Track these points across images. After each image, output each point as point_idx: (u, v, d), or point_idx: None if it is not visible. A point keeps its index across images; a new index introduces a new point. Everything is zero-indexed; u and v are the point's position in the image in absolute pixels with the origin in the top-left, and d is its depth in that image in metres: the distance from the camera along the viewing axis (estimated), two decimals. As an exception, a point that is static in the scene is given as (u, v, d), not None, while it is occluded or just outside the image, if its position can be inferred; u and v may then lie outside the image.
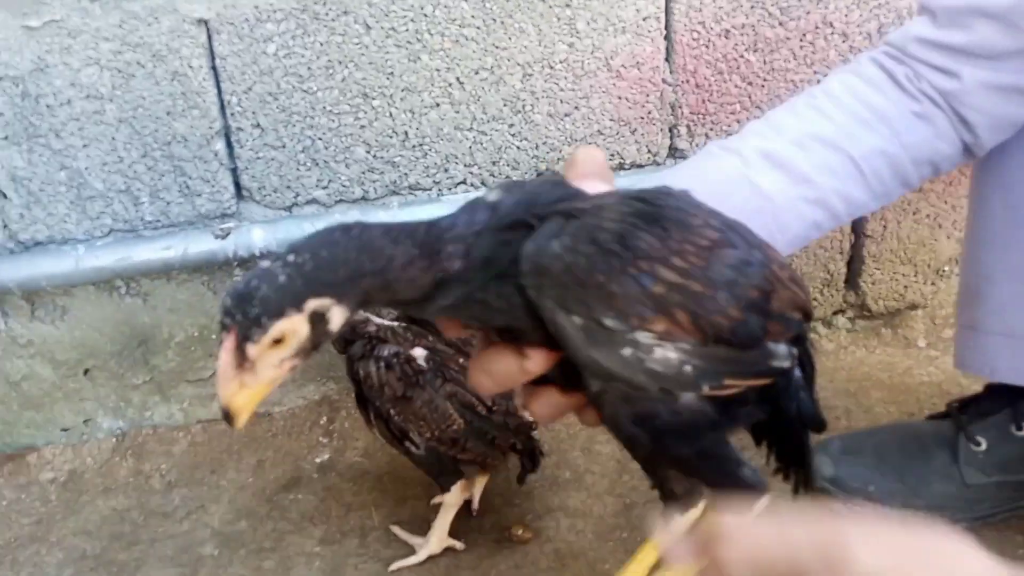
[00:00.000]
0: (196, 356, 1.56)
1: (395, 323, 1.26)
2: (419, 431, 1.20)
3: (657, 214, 0.54)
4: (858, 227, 1.74)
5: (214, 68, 1.39)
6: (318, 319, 0.49)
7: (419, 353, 1.21)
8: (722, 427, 0.59)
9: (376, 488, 1.44)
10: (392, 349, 1.20)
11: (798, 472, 0.71)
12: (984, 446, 1.23)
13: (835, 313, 1.80)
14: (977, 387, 1.35)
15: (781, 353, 0.59)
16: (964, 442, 1.25)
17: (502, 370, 0.57)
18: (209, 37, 1.37)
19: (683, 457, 0.58)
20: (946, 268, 1.82)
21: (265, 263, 0.50)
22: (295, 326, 0.49)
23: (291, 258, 0.50)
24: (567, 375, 0.56)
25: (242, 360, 0.48)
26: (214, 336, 1.55)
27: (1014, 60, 0.96)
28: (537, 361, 0.55)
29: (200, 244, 1.39)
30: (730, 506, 0.59)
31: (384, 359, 1.19)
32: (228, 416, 0.49)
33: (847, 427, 1.50)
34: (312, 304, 0.49)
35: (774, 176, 0.95)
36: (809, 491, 0.73)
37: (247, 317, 0.48)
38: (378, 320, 1.24)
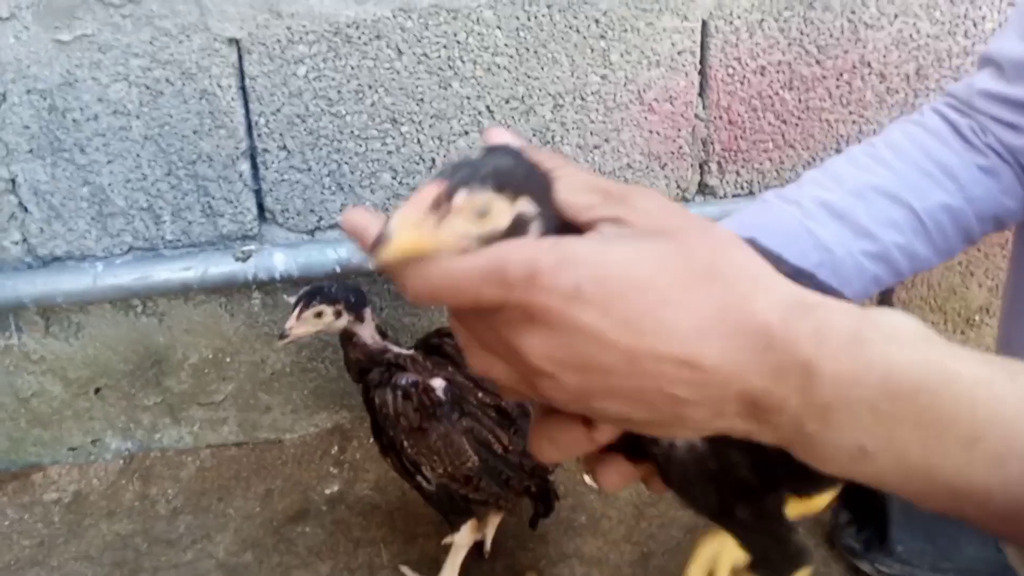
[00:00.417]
0: (209, 379, 1.52)
1: (414, 351, 1.23)
2: (432, 466, 1.16)
3: None
4: (889, 272, 1.70)
5: (243, 88, 1.37)
6: (518, 227, 0.46)
7: (438, 384, 1.18)
8: (781, 487, 0.56)
9: (386, 524, 1.39)
10: (411, 378, 1.17)
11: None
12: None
13: (863, 359, 1.75)
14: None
15: None
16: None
17: (569, 440, 0.53)
18: (240, 57, 1.36)
19: (744, 518, 0.56)
20: (976, 317, 1.78)
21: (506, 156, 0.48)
22: (503, 210, 0.46)
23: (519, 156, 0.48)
24: (633, 443, 0.54)
25: (440, 204, 0.44)
26: (228, 359, 1.52)
27: None
28: (605, 432, 0.52)
29: (220, 266, 1.37)
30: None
31: (402, 387, 1.16)
32: (380, 241, 0.44)
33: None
34: (525, 205, 0.47)
35: (834, 227, 0.91)
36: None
37: (476, 172, 0.45)
38: (397, 348, 1.21)
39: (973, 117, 0.99)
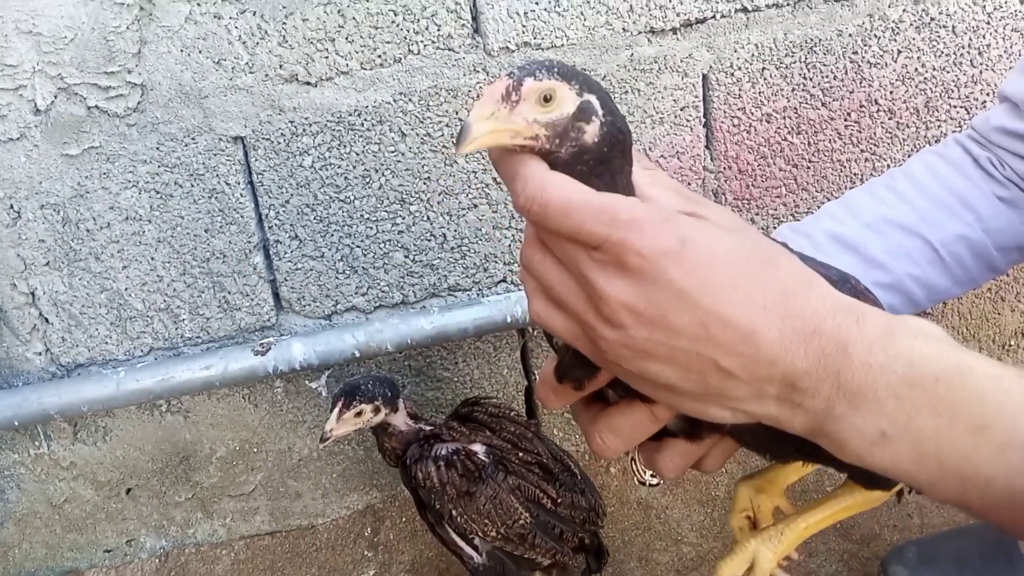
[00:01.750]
0: (238, 470, 1.52)
1: (447, 421, 1.23)
2: (483, 530, 1.16)
3: None
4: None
5: (251, 183, 1.38)
6: (583, 112, 0.51)
7: (479, 448, 1.19)
8: None
9: (426, 608, 1.38)
10: (450, 447, 1.18)
11: None
12: (1079, 553, 1.14)
13: (898, 395, 1.71)
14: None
15: None
16: (1056, 548, 1.16)
17: (630, 424, 0.57)
18: (246, 153, 1.37)
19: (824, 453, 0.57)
20: (1012, 342, 1.74)
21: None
22: (567, 96, 0.50)
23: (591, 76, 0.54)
24: (690, 423, 0.57)
25: (510, 93, 0.50)
26: (255, 449, 1.52)
27: None
28: (666, 411, 0.56)
29: (240, 361, 1.37)
30: None
31: (443, 457, 1.17)
32: (462, 135, 0.49)
33: (920, 525, 1.41)
34: (590, 97, 0.51)
35: (845, 259, 0.92)
36: None
37: (541, 64, 0.50)
38: (430, 427, 1.21)
39: (992, 151, 0.98)
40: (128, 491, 1.50)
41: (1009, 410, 0.47)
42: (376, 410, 1.16)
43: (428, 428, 1.20)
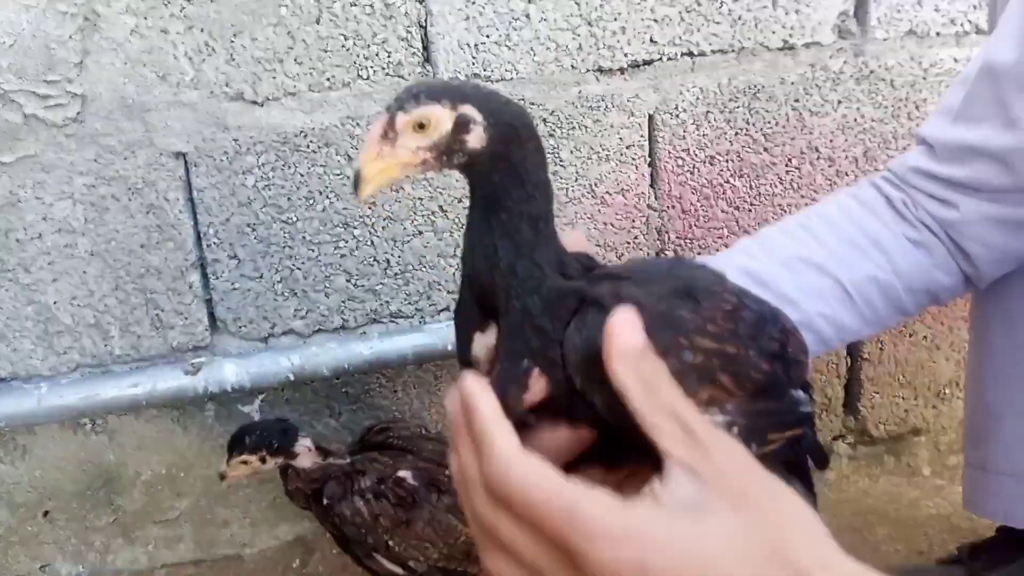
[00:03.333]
0: (163, 496, 1.47)
1: (361, 455, 1.20)
2: (424, 554, 1.14)
3: (690, 287, 0.56)
4: (854, 350, 1.69)
5: (191, 200, 1.36)
6: (461, 126, 0.52)
7: (406, 473, 1.17)
8: None
9: (351, 642, 1.33)
10: (374, 478, 1.15)
11: None
12: (1001, 598, 1.15)
13: (835, 439, 1.73)
14: (987, 523, 1.28)
15: (803, 399, 0.61)
16: (980, 593, 1.16)
17: (553, 445, 0.54)
18: (187, 169, 1.35)
19: None
20: (946, 391, 1.76)
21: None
22: (441, 117, 0.52)
23: (472, 82, 0.55)
24: (609, 451, 0.57)
25: (387, 131, 0.52)
26: (183, 474, 1.47)
27: (1013, 195, 0.94)
28: (589, 433, 0.55)
29: (169, 380, 1.33)
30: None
31: (370, 489, 1.14)
32: (357, 182, 0.52)
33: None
34: (464, 109, 0.52)
35: (757, 295, 0.92)
36: None
37: (409, 94, 0.52)
38: (340, 461, 1.18)
39: (906, 192, 1.00)
40: (45, 513, 1.44)
41: None
42: (263, 460, 1.14)
43: (340, 463, 1.17)
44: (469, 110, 0.52)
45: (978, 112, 0.94)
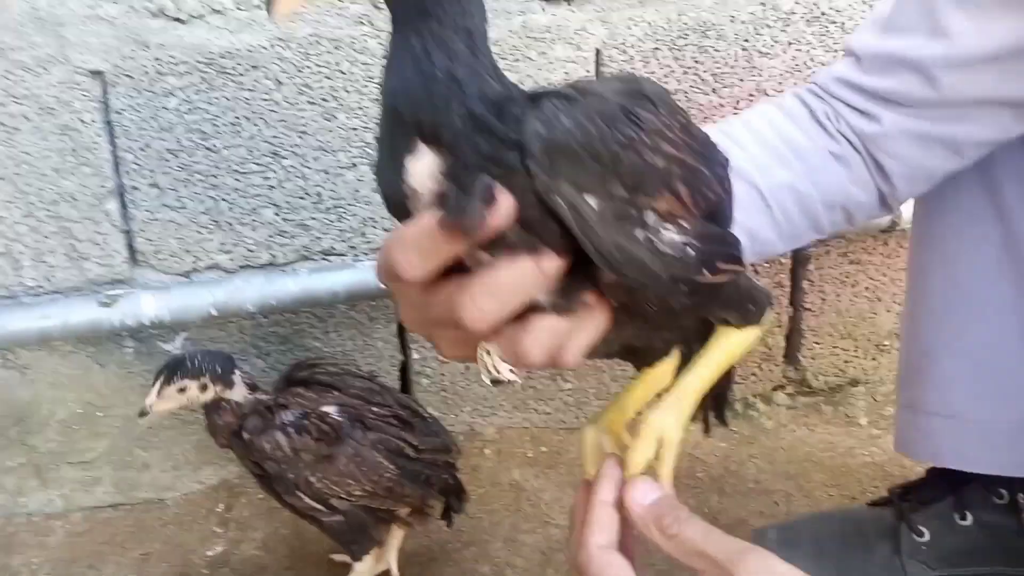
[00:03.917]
0: (80, 436, 1.41)
1: (286, 389, 1.16)
2: (347, 491, 1.11)
3: (642, 91, 0.52)
4: (796, 299, 1.68)
5: (108, 123, 1.29)
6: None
7: (331, 408, 1.13)
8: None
9: (273, 586, 1.29)
10: (297, 412, 1.11)
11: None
12: (927, 537, 1.15)
13: (775, 389, 1.73)
14: (921, 470, 1.28)
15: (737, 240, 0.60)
16: (906, 532, 1.16)
17: (512, 283, 0.50)
18: (104, 90, 1.27)
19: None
20: (887, 343, 1.77)
21: None
22: None
23: None
24: (564, 293, 0.53)
25: None
26: (100, 414, 1.40)
27: (933, 110, 0.91)
28: (553, 262, 0.51)
29: (83, 313, 1.26)
30: None
31: (293, 424, 1.10)
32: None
33: (787, 512, 1.41)
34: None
35: None
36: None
37: None
38: (264, 395, 1.13)
39: (829, 103, 0.98)
40: (-48, 453, 1.37)
41: None
42: (203, 387, 1.08)
43: (267, 398, 1.12)
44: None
45: (906, 22, 0.91)
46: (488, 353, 0.56)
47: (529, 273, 0.50)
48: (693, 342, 0.67)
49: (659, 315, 0.57)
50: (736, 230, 0.94)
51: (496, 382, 0.57)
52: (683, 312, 0.58)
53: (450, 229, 0.48)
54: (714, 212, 0.56)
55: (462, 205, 0.48)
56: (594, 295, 0.54)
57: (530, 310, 0.54)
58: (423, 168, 0.49)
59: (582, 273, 0.52)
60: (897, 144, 0.93)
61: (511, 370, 0.56)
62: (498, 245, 0.50)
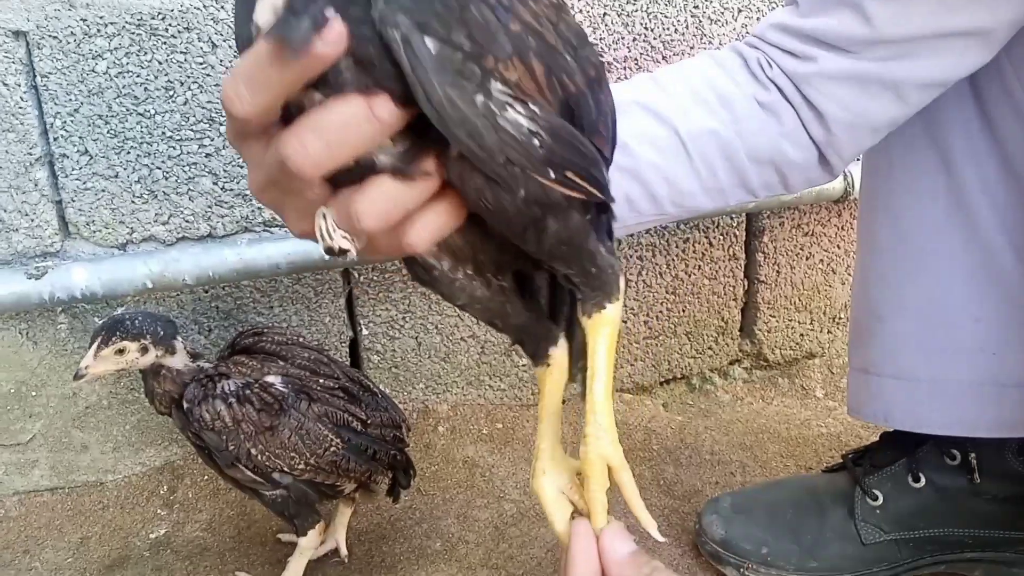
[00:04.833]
0: (13, 416, 1.35)
1: (230, 357, 1.11)
2: (290, 464, 1.07)
3: None
4: (751, 272, 1.67)
5: (35, 87, 1.23)
6: None
7: (274, 379, 1.09)
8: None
9: (216, 567, 1.25)
10: (240, 381, 1.07)
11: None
12: (881, 500, 1.14)
13: (731, 363, 1.71)
14: (873, 438, 1.27)
15: (606, 177, 0.56)
16: (860, 496, 1.15)
17: (340, 122, 0.46)
18: (29, 52, 1.21)
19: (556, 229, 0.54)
20: (841, 315, 1.77)
21: None
22: None
23: None
24: (406, 156, 0.50)
25: None
26: (34, 393, 1.35)
27: (870, 48, 0.89)
28: (386, 106, 0.46)
29: (10, 285, 1.20)
30: None
31: (234, 393, 1.06)
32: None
33: (743, 483, 1.39)
34: None
35: None
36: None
37: None
38: (206, 364, 1.08)
39: (763, 49, 0.96)
40: None
41: None
42: (143, 349, 1.03)
43: (208, 366, 1.08)
44: None
45: None
46: (324, 217, 0.52)
47: (360, 114, 0.46)
48: (559, 314, 0.65)
49: (509, 228, 0.53)
50: (654, 175, 0.91)
51: (330, 251, 0.53)
52: (530, 236, 0.53)
53: (277, 50, 0.45)
54: (575, 110, 0.52)
55: (291, 25, 0.44)
56: (434, 163, 0.50)
57: (370, 174, 0.50)
58: (268, 2, 0.46)
59: (427, 140, 0.49)
60: (836, 87, 0.91)
61: (344, 236, 0.52)
62: (332, 86, 0.46)
